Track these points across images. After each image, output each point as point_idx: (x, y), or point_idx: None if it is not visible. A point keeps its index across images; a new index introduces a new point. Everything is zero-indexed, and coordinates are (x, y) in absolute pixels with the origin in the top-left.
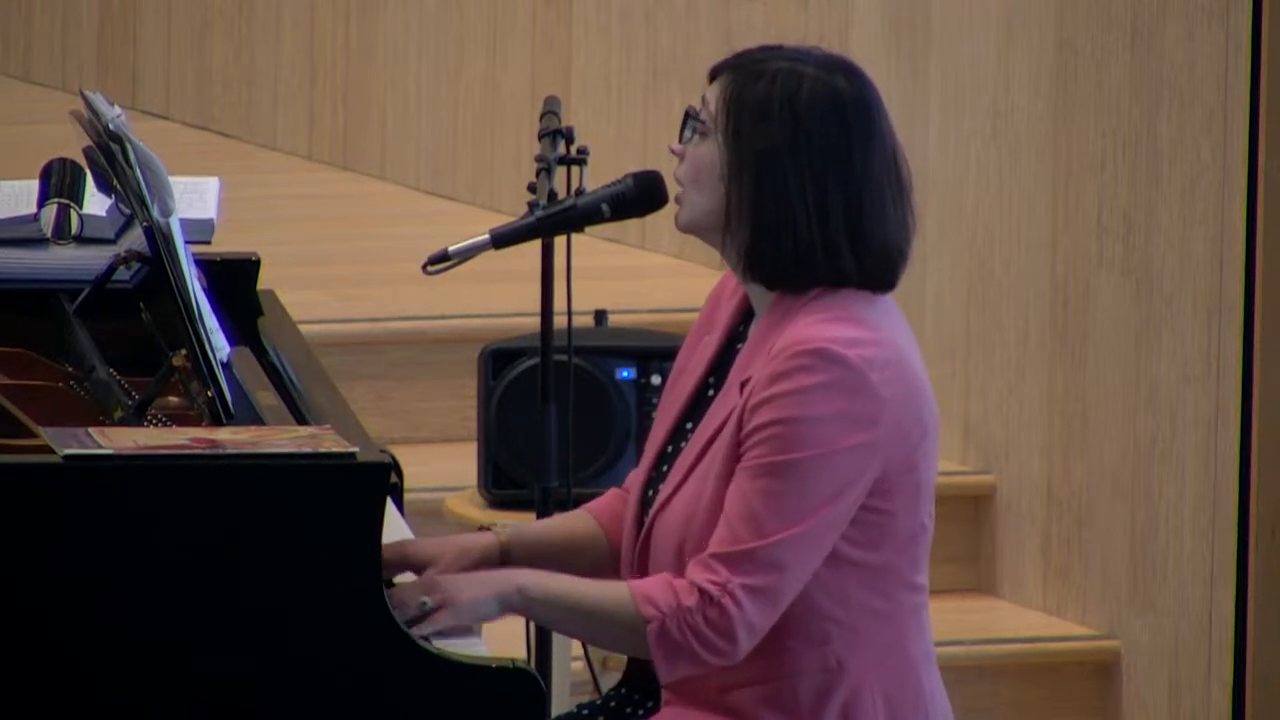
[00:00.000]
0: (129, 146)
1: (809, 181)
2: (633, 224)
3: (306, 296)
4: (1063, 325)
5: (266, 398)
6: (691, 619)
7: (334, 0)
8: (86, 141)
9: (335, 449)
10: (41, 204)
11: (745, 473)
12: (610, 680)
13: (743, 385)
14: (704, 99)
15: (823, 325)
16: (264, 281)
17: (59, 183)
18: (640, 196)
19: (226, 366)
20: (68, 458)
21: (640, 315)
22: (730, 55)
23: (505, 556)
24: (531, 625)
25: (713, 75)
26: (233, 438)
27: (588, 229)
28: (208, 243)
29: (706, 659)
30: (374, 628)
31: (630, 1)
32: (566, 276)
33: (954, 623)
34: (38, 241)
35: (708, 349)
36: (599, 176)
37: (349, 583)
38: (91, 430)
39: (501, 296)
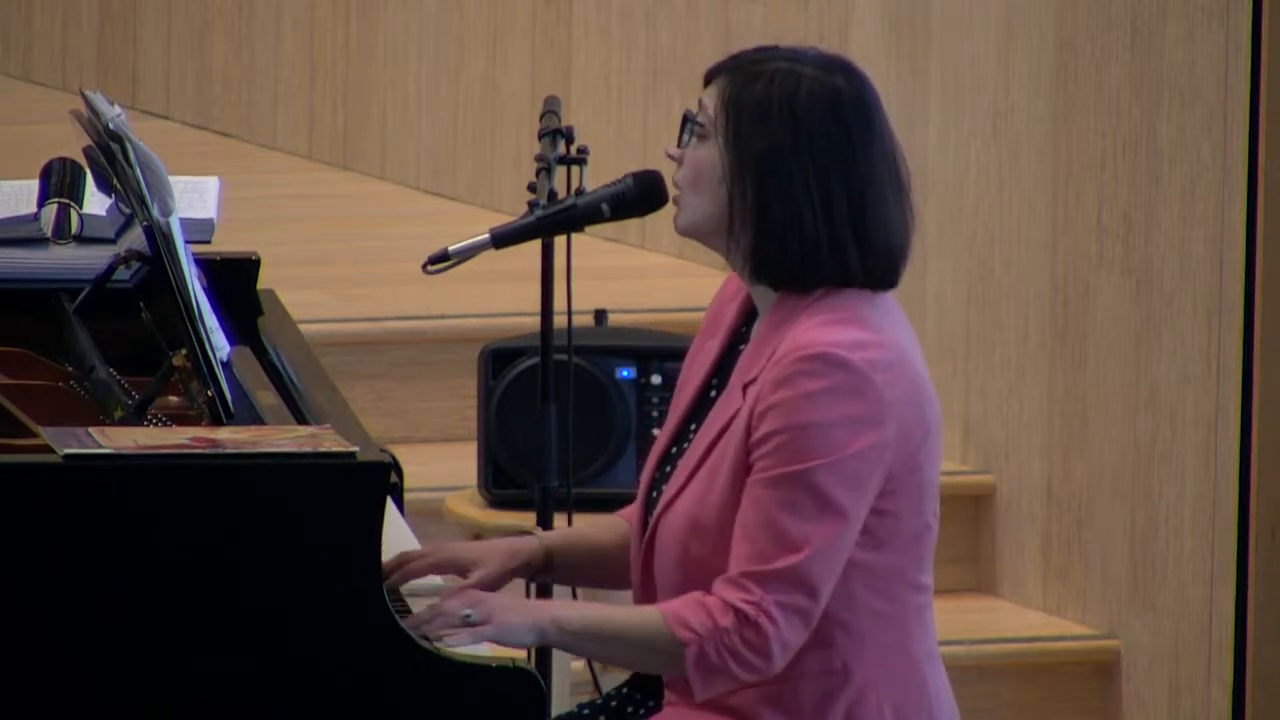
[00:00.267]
0: (129, 146)
1: (812, 180)
2: (633, 224)
3: (306, 296)
4: (1063, 325)
5: (266, 397)
6: (729, 639)
7: (334, 0)
8: (86, 141)
9: (335, 449)
10: (41, 204)
11: (760, 484)
12: (610, 680)
13: (745, 387)
14: (701, 102)
15: (825, 328)
16: (264, 281)
17: (59, 183)
18: (640, 196)
19: (226, 366)
20: (68, 458)
21: (640, 315)
22: (726, 57)
23: (549, 559)
24: None
25: (709, 78)
26: (233, 437)
27: (588, 229)
28: (208, 242)
29: (743, 677)
30: (374, 627)
31: (630, 1)
32: (566, 276)
33: (954, 623)
34: (38, 241)
35: (711, 351)
36: (599, 176)
37: (349, 583)
38: (91, 430)
39: (501, 296)
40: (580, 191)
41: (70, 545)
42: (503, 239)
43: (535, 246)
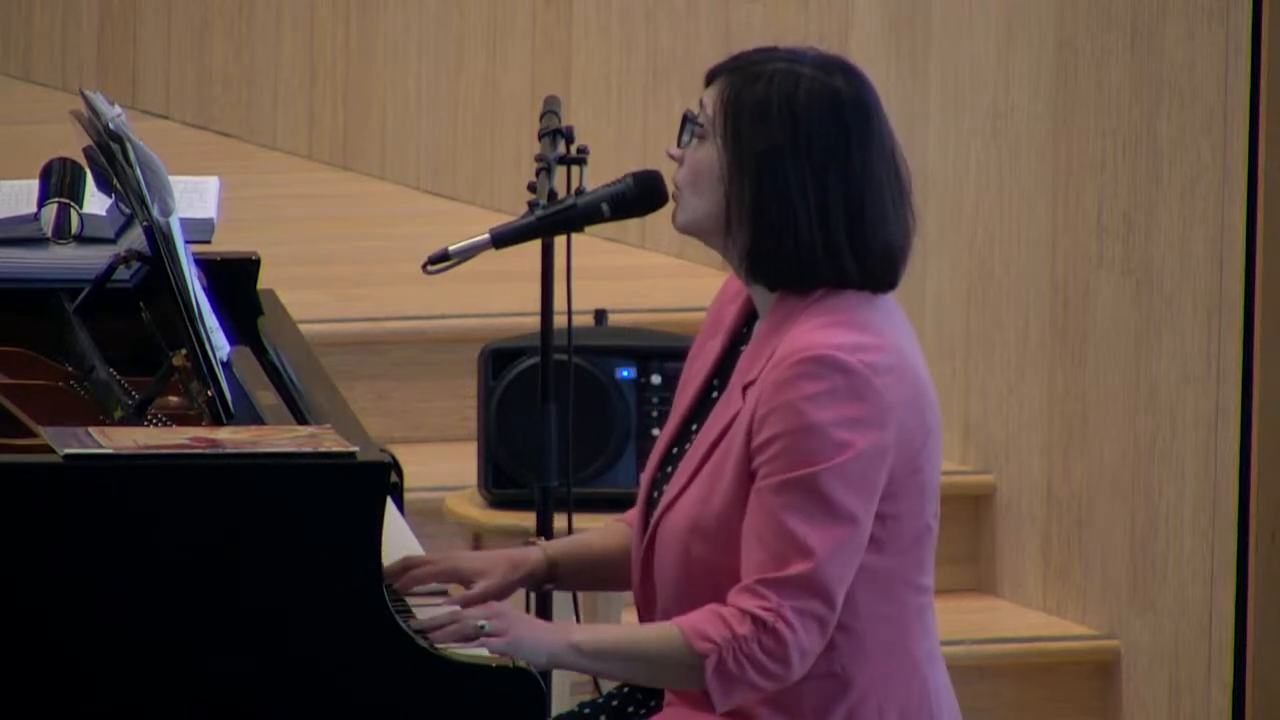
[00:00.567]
0: (129, 146)
1: (809, 181)
2: (633, 224)
3: (306, 296)
4: (1063, 325)
5: (266, 397)
6: (747, 647)
7: (334, 0)
8: (86, 141)
9: (335, 449)
10: (41, 204)
11: (767, 490)
12: (610, 681)
13: (745, 388)
14: (701, 102)
15: (825, 330)
16: (264, 281)
17: (59, 183)
18: (640, 196)
19: (226, 366)
20: (68, 458)
21: (640, 315)
22: (727, 58)
23: (552, 569)
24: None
25: (709, 78)
26: (233, 437)
27: (588, 229)
28: (208, 242)
29: (762, 685)
30: (374, 627)
31: (630, 1)
32: (566, 276)
33: (954, 623)
34: (38, 241)
35: (712, 351)
36: (599, 176)
37: (349, 582)
38: (91, 430)
39: (501, 296)
40: (580, 191)
41: (70, 545)
42: (503, 239)
43: (535, 246)
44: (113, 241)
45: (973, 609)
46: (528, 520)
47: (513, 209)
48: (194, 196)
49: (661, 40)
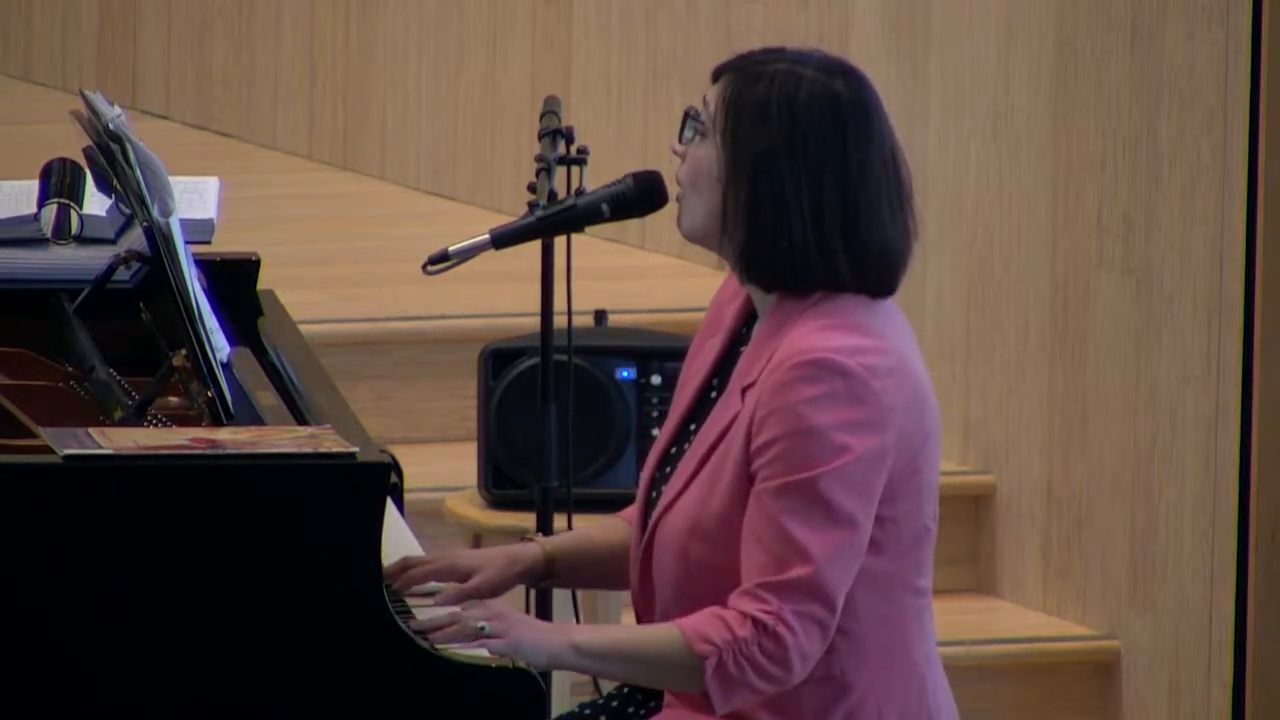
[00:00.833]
0: (129, 146)
1: (805, 183)
2: (633, 224)
3: (306, 296)
4: (1063, 325)
5: (266, 398)
6: (748, 650)
7: (334, 0)
8: (86, 141)
9: (335, 449)
10: (41, 204)
11: (767, 494)
12: (610, 681)
13: (745, 390)
14: (705, 99)
15: (824, 333)
16: (264, 281)
17: (59, 183)
18: (640, 196)
19: (226, 366)
20: (68, 458)
21: (640, 315)
22: (734, 56)
23: (550, 565)
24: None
25: (716, 75)
26: (233, 438)
27: (588, 229)
28: (208, 243)
29: (762, 688)
30: (374, 628)
31: (630, 1)
32: (566, 276)
33: (954, 623)
34: (38, 241)
35: (711, 351)
36: (599, 176)
37: (349, 583)
38: (91, 430)
39: (501, 296)
40: (580, 191)
41: (70, 545)
42: (503, 239)
43: (535, 246)
44: (113, 242)
45: (973, 609)
46: (528, 520)
47: (513, 209)
48: (194, 197)
49: (661, 40)
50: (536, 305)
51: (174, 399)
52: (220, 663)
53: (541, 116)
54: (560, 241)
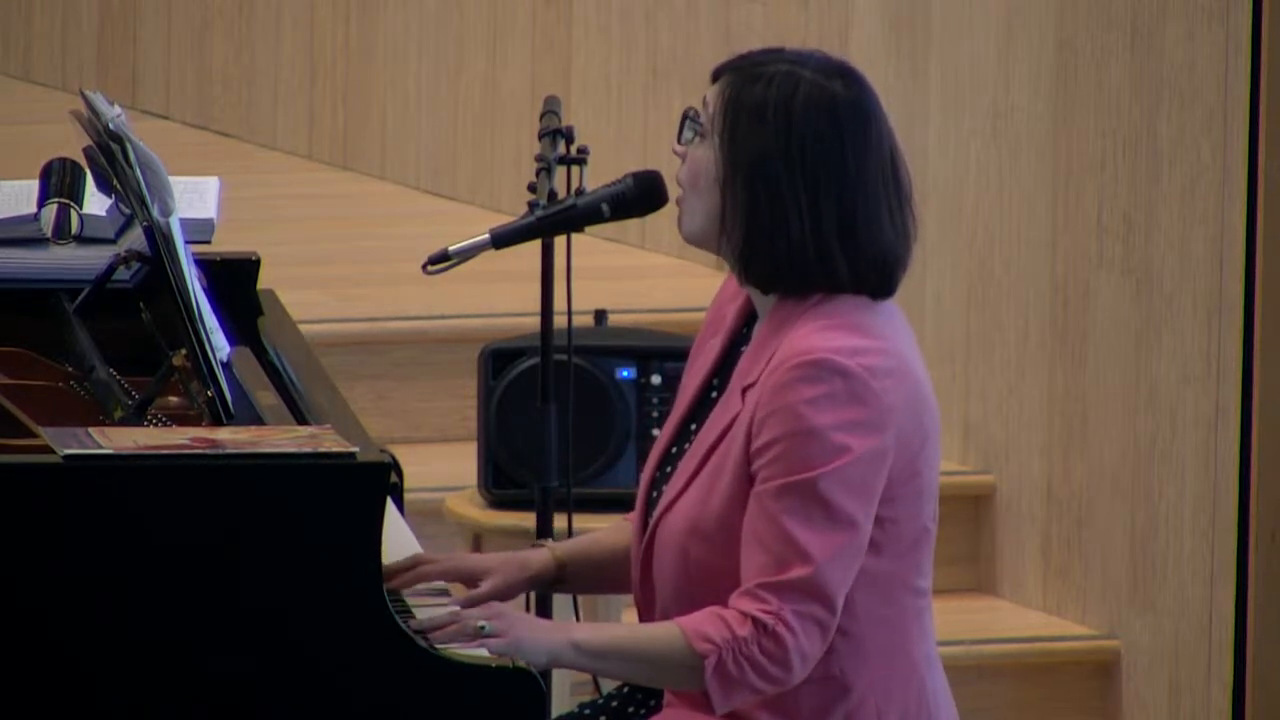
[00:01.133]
0: (129, 146)
1: (802, 185)
2: (633, 224)
3: (306, 296)
4: (1063, 325)
5: (266, 398)
6: (747, 649)
7: (334, 0)
8: (86, 141)
9: (335, 449)
10: (41, 204)
11: (767, 494)
12: (610, 681)
13: (745, 390)
14: (704, 100)
15: (824, 334)
16: (264, 281)
17: (59, 183)
18: (640, 196)
19: (226, 366)
20: (68, 458)
21: (640, 315)
22: (734, 56)
23: (560, 571)
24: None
25: (715, 76)
26: (233, 438)
27: (588, 229)
28: (208, 242)
29: (762, 688)
30: (374, 628)
31: (630, 1)
32: (566, 276)
33: (954, 623)
34: (38, 241)
35: (712, 351)
36: (599, 176)
37: (349, 583)
38: (91, 430)
39: (501, 296)
40: (580, 191)
41: (70, 545)
42: (503, 239)
43: (535, 246)
44: (113, 241)
45: (973, 609)
46: (528, 520)
47: (513, 209)
48: (194, 196)
49: (661, 40)
50: (536, 305)
51: (174, 399)
52: (220, 662)
53: (541, 116)
54: (560, 241)
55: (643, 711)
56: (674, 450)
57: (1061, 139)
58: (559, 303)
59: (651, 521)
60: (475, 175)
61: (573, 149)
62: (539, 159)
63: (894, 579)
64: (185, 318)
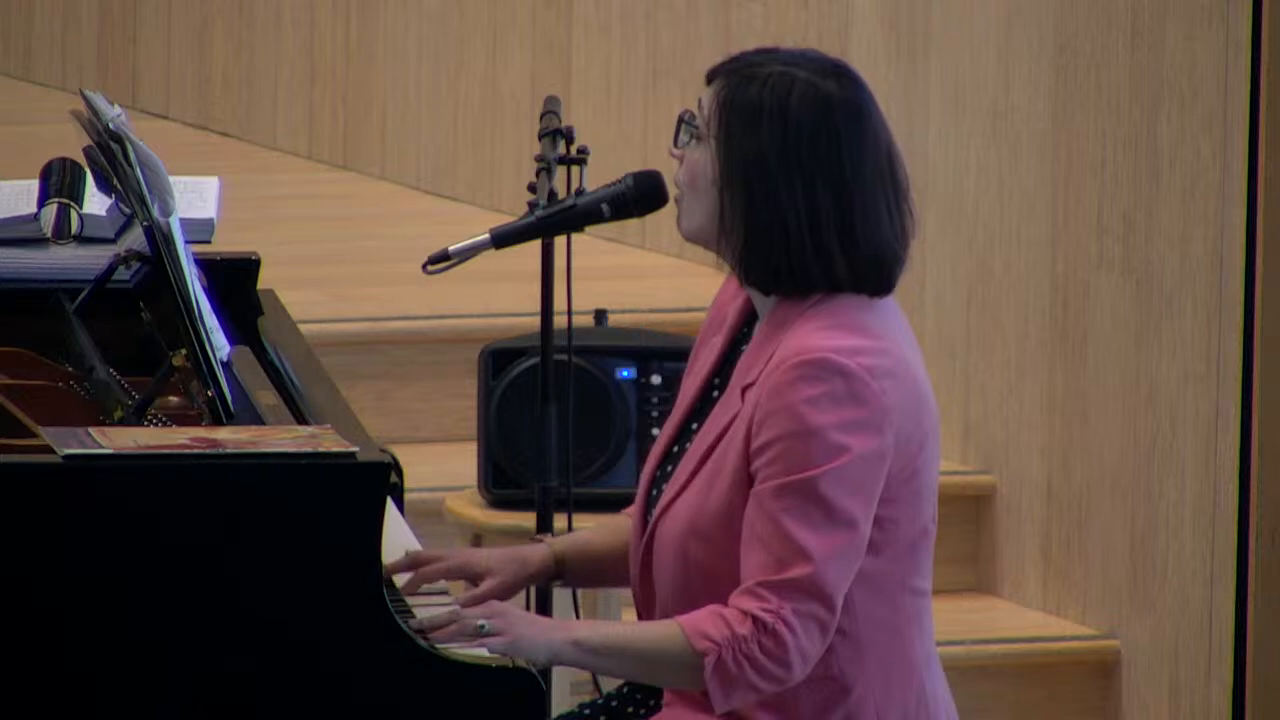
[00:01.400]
0: (129, 146)
1: (799, 186)
2: (633, 224)
3: (306, 296)
4: (1063, 325)
5: (266, 397)
6: (747, 648)
7: (334, 0)
8: (86, 141)
9: (335, 449)
10: (41, 204)
11: (767, 494)
12: (610, 681)
13: (745, 390)
14: (700, 102)
15: (823, 333)
16: (264, 281)
17: (59, 183)
18: (640, 196)
19: (226, 366)
20: (68, 458)
21: (640, 315)
22: (727, 58)
23: (559, 566)
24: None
25: (709, 78)
26: (233, 437)
27: (588, 229)
28: (208, 242)
29: (762, 687)
30: (374, 627)
31: (630, 1)
32: (566, 276)
33: (954, 623)
34: (38, 241)
35: (713, 350)
36: (599, 176)
37: (349, 582)
38: (91, 430)
39: (501, 296)
40: (580, 191)
41: (70, 545)
42: (503, 239)
43: (535, 246)
44: (113, 241)
45: (972, 609)
46: (528, 520)
47: (513, 209)
48: (194, 196)
49: (661, 40)
50: (536, 305)
51: (174, 399)
52: (220, 662)
53: (541, 116)
54: (560, 241)
55: (643, 711)
56: (674, 449)
57: (1061, 139)
58: (559, 303)
59: (651, 520)
60: (475, 175)
61: (573, 149)
62: (539, 159)
63: (893, 579)
64: (185, 317)
